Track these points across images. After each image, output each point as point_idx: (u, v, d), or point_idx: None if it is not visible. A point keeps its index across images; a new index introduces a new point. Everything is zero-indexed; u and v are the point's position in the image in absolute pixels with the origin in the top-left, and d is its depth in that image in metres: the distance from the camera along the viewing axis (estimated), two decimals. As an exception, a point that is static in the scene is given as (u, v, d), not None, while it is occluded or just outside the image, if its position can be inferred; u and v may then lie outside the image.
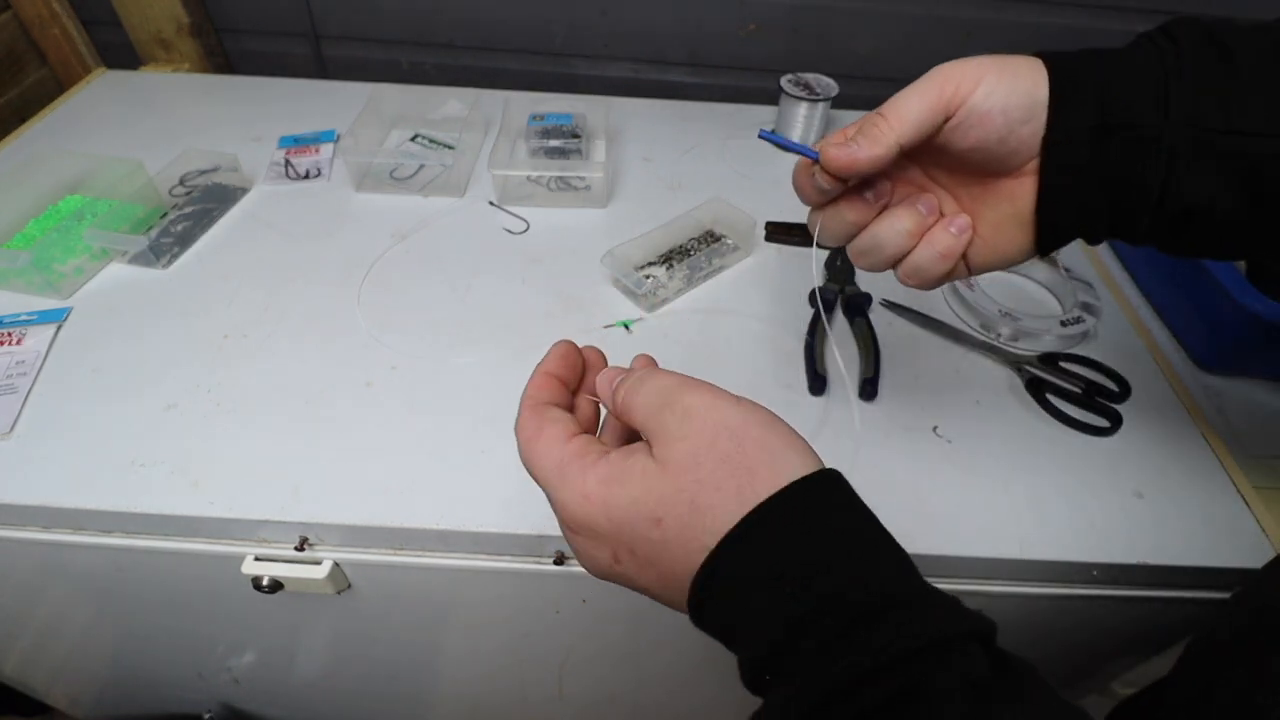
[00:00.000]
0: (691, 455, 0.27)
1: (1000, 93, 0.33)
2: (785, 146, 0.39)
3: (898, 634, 0.23)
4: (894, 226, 0.37)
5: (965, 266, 0.39)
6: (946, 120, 0.34)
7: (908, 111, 0.34)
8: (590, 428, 0.34)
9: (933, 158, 0.38)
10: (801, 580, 0.25)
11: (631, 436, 0.33)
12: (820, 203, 0.39)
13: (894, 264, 0.39)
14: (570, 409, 0.33)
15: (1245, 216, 0.33)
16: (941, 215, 0.38)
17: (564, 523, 0.30)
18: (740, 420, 0.28)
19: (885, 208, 0.38)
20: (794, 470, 0.27)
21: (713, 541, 0.26)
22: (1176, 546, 0.51)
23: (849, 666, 0.23)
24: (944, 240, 0.37)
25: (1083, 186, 0.34)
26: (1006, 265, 0.38)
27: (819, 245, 0.41)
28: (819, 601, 0.25)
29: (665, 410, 0.29)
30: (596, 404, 0.34)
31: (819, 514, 0.26)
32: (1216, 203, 0.33)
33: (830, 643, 0.24)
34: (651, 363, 0.34)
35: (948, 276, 0.38)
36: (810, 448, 0.28)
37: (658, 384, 0.30)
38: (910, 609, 0.25)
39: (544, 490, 0.31)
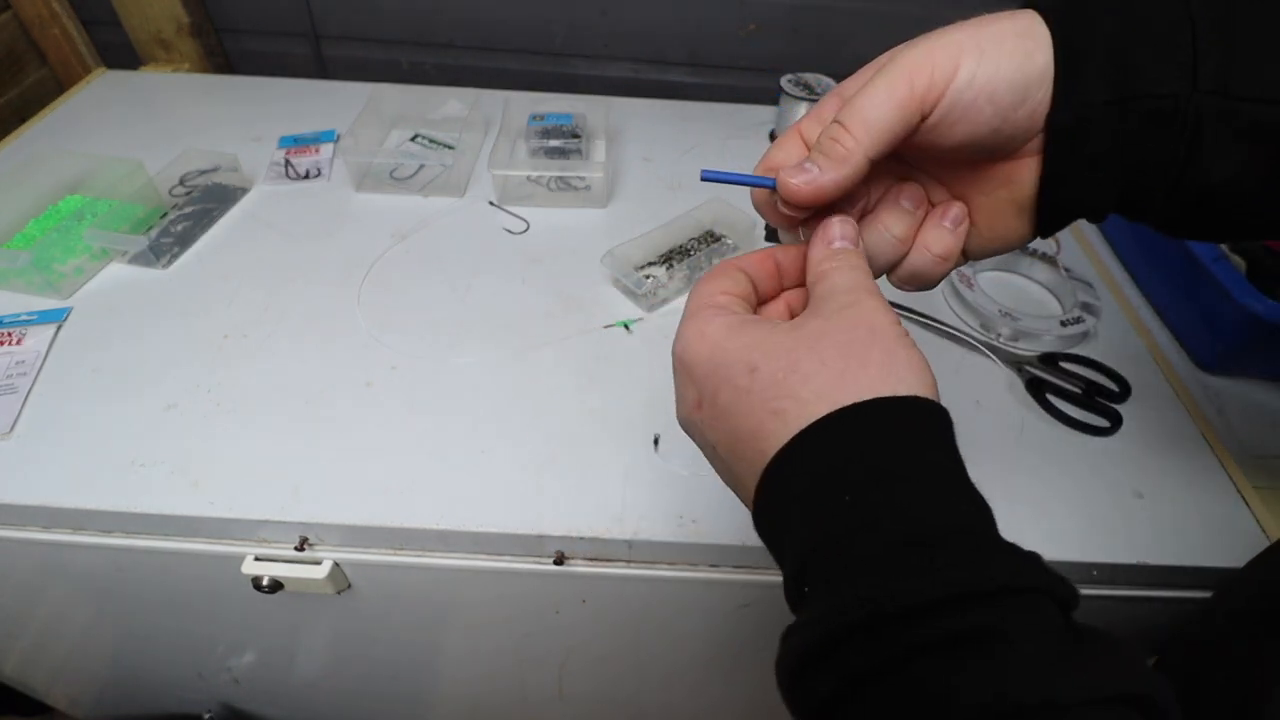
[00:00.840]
0: (821, 329, 0.27)
1: (984, 75, 0.27)
2: (735, 182, 0.33)
3: (966, 570, 0.22)
4: (882, 236, 0.33)
5: (961, 255, 0.34)
6: (923, 119, 0.28)
7: (874, 118, 0.28)
8: (768, 300, 0.33)
9: (913, 153, 0.32)
10: (867, 486, 0.24)
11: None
12: (793, 225, 0.33)
13: (888, 272, 0.34)
14: (770, 295, 0.32)
15: (1271, 195, 0.29)
16: (930, 204, 0.34)
17: (674, 354, 0.30)
18: (885, 326, 0.27)
19: (865, 214, 0.33)
20: (909, 385, 0.25)
21: (794, 410, 0.25)
22: (1176, 546, 0.51)
23: (904, 592, 0.21)
24: (941, 241, 0.33)
25: (1093, 168, 0.30)
26: (1004, 251, 0.35)
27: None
28: (881, 513, 0.23)
29: (839, 295, 0.28)
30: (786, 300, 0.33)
31: (914, 434, 0.25)
32: (1242, 181, 0.28)
33: (882, 559, 0.22)
34: (855, 237, 0.31)
35: (947, 273, 0.35)
36: (933, 380, 0.27)
37: (854, 280, 0.29)
38: (978, 551, 0.23)
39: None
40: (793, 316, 0.32)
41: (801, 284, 0.32)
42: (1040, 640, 0.21)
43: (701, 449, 0.30)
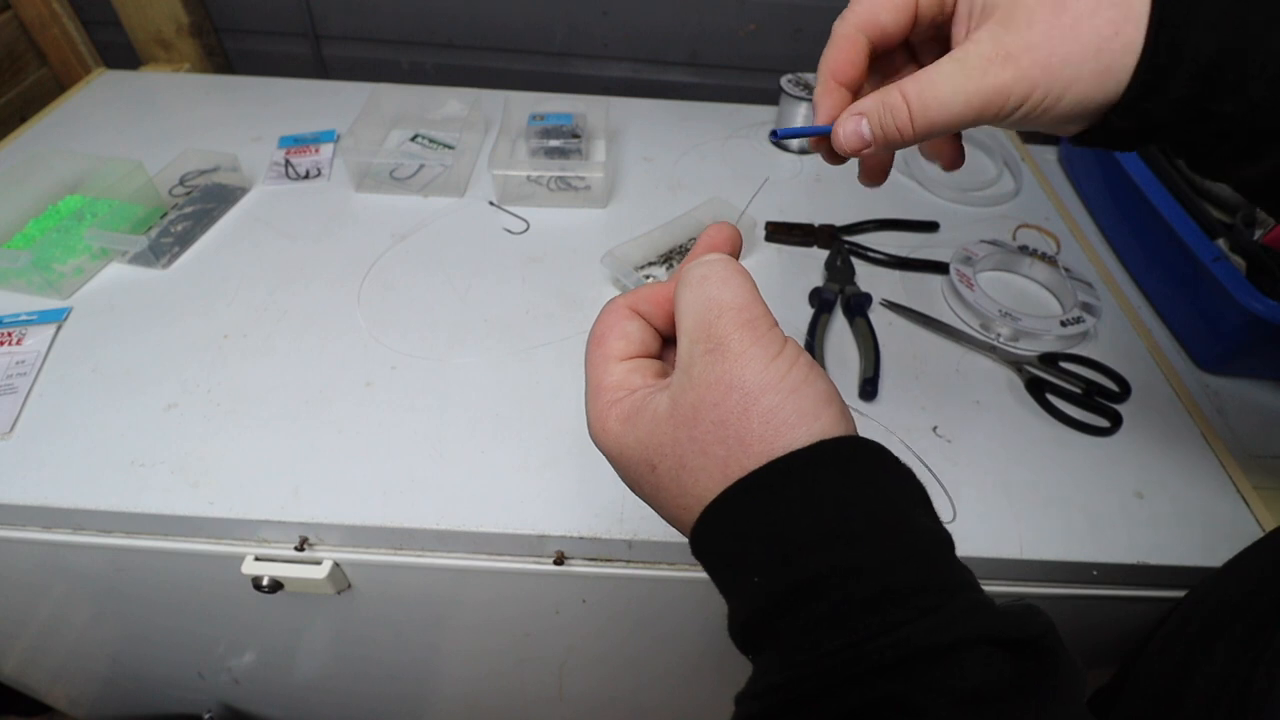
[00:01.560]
0: (693, 409, 0.25)
1: (1067, 105, 0.29)
2: (800, 134, 0.36)
3: (864, 637, 0.21)
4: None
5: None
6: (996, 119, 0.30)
7: (940, 121, 0.30)
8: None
9: None
10: (767, 565, 0.24)
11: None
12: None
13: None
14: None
15: None
16: None
17: (591, 437, 0.30)
18: (759, 383, 0.25)
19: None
20: (790, 443, 0.24)
21: (695, 506, 0.25)
22: (1176, 546, 0.51)
23: (801, 677, 0.22)
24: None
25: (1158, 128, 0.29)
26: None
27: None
28: (783, 595, 0.23)
29: (701, 333, 0.26)
30: None
31: (802, 493, 0.24)
32: None
33: (792, 642, 0.23)
34: (734, 240, 0.30)
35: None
36: (836, 416, 0.25)
37: (711, 292, 0.26)
38: (875, 610, 0.22)
39: None
40: None
41: None
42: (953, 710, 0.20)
43: None
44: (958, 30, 0.31)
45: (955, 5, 0.31)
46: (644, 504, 0.29)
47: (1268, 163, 0.29)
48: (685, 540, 0.28)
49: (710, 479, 0.25)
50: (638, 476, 0.28)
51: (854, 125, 0.32)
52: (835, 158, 0.34)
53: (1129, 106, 0.28)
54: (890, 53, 0.35)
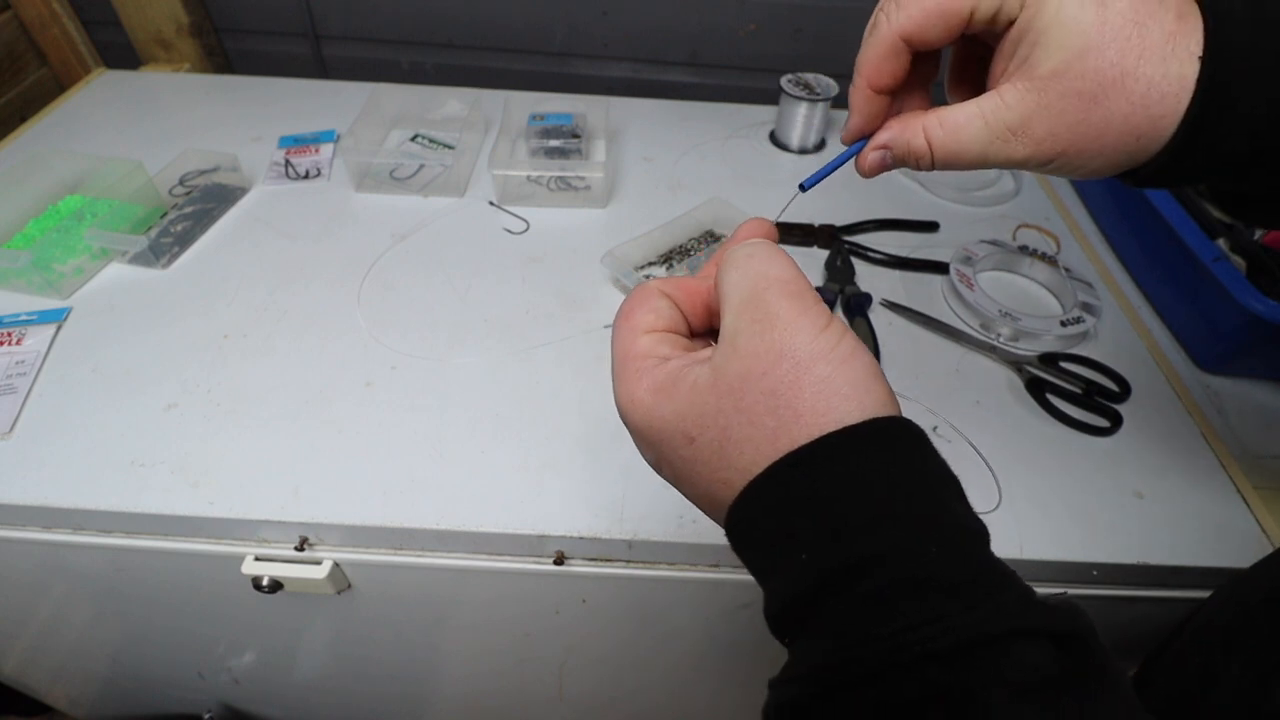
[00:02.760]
0: (741, 377, 0.24)
1: (1092, 170, 0.29)
2: (828, 173, 0.36)
3: (917, 622, 0.21)
4: None
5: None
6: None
7: (967, 157, 0.30)
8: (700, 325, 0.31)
9: None
10: (816, 543, 0.23)
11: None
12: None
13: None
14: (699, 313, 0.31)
15: None
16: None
17: (619, 413, 0.29)
18: (810, 352, 0.24)
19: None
20: (852, 410, 0.23)
21: (738, 479, 0.24)
22: (1176, 546, 0.51)
23: (848, 660, 0.21)
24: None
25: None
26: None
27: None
28: (832, 574, 0.22)
29: (748, 305, 0.25)
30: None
31: (854, 471, 0.23)
32: None
33: (839, 624, 0.22)
34: (771, 231, 0.30)
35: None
36: (885, 394, 0.24)
37: (758, 268, 0.26)
38: (924, 597, 0.21)
39: None
40: None
41: None
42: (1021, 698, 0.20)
43: None
44: (997, 64, 0.31)
45: (1005, 34, 0.30)
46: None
47: None
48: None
49: (758, 451, 0.24)
50: (669, 451, 0.26)
51: (878, 158, 0.33)
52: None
53: (1150, 178, 0.29)
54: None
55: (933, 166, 0.32)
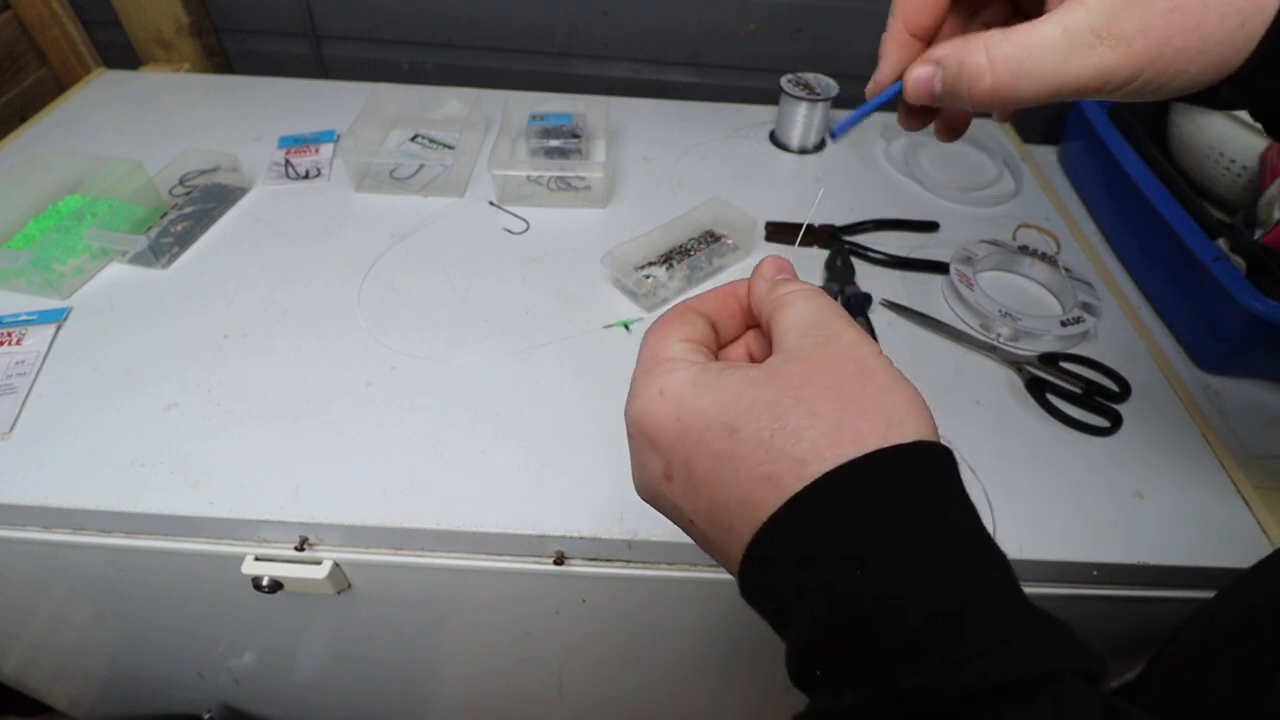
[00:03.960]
0: (803, 374, 0.23)
1: (1178, 85, 0.26)
2: (864, 114, 0.32)
3: (1000, 655, 0.19)
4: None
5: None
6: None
7: (1032, 86, 0.26)
8: (730, 343, 0.30)
9: None
10: (881, 556, 0.20)
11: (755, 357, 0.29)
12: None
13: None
14: (732, 337, 0.29)
15: None
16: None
17: (629, 419, 0.26)
18: (875, 361, 0.24)
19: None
20: (912, 429, 0.22)
21: (790, 472, 0.22)
22: (1176, 546, 0.51)
23: (928, 689, 0.19)
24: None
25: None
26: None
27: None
28: (898, 590, 0.20)
29: (816, 326, 0.25)
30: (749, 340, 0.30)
31: (925, 490, 0.22)
32: None
33: (905, 646, 0.20)
34: (793, 273, 0.30)
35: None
36: (934, 422, 0.24)
37: (820, 305, 0.26)
38: (1011, 629, 0.20)
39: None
40: (753, 360, 0.29)
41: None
42: None
43: (673, 520, 0.26)
44: None
45: None
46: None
47: None
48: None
49: (818, 440, 0.22)
50: (699, 446, 0.23)
51: (926, 74, 0.28)
52: (912, 119, 0.31)
53: (1242, 85, 0.26)
54: None
55: (991, 94, 0.27)
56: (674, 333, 0.27)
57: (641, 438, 0.25)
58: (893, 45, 0.29)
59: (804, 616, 0.22)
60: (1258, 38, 0.24)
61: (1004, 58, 0.26)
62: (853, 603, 0.20)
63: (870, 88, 0.31)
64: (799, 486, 0.21)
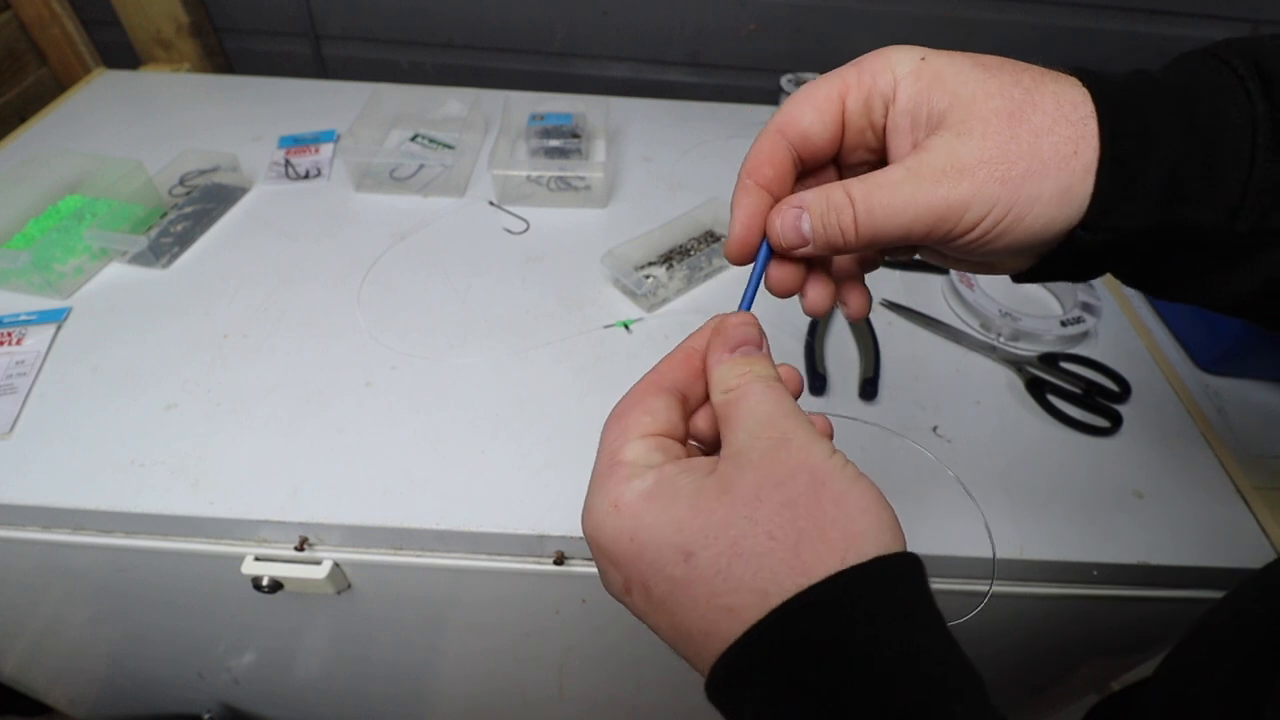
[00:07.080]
0: (754, 488, 0.23)
1: (1035, 218, 0.26)
2: (755, 287, 0.31)
3: None
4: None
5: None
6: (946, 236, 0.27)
7: (888, 220, 0.26)
8: (700, 435, 0.29)
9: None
10: (846, 688, 0.20)
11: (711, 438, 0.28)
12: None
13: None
14: (702, 398, 0.28)
15: None
16: None
17: (585, 531, 0.26)
18: (826, 468, 0.23)
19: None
20: (871, 543, 0.22)
21: (749, 605, 0.21)
22: (1176, 546, 0.51)
23: None
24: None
25: (1102, 265, 0.28)
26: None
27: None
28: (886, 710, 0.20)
29: (767, 426, 0.24)
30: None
31: (891, 612, 0.21)
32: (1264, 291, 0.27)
33: None
34: (758, 338, 0.28)
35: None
36: (892, 516, 0.23)
37: (772, 400, 0.25)
38: None
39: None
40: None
41: None
42: None
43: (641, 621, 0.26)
44: (899, 143, 0.28)
45: (888, 117, 0.28)
46: None
47: (1261, 271, 0.26)
48: None
49: (776, 568, 0.22)
50: (653, 571, 0.23)
51: (793, 218, 0.28)
52: (783, 280, 0.30)
53: (1095, 223, 0.26)
54: (821, 168, 0.31)
55: (856, 236, 0.27)
56: (632, 427, 0.26)
57: (598, 551, 0.25)
58: (743, 196, 0.29)
59: None
60: (1094, 166, 0.25)
61: (861, 195, 0.26)
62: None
63: (728, 245, 0.30)
64: (757, 617, 0.21)
